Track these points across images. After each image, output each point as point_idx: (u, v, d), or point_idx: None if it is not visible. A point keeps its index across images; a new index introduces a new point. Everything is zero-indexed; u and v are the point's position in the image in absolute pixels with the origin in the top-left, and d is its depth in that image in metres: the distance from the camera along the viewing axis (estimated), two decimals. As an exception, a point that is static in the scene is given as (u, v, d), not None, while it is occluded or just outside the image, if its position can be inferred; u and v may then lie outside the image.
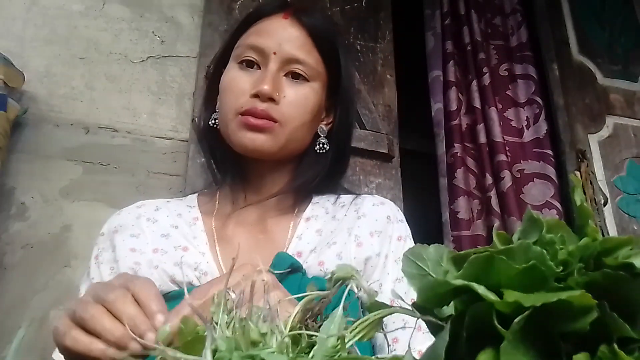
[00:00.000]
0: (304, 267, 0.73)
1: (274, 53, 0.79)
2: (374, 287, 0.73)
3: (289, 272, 0.71)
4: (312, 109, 0.81)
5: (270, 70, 0.79)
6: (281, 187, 0.83)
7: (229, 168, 0.86)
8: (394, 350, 0.71)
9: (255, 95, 0.77)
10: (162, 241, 0.77)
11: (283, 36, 0.81)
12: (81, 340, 0.47)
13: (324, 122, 0.86)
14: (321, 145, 0.85)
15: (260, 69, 0.80)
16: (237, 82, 0.80)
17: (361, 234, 0.78)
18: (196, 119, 1.34)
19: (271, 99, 0.77)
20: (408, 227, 0.84)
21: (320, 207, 0.85)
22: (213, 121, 0.85)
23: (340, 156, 0.88)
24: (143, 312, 0.47)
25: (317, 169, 0.84)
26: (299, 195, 0.85)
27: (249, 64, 0.81)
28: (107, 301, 0.48)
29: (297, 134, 0.80)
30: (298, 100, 0.79)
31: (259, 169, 0.84)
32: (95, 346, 0.46)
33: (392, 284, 0.76)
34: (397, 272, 0.77)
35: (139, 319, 0.46)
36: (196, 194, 0.90)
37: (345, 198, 0.86)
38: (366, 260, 0.76)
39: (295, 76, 0.80)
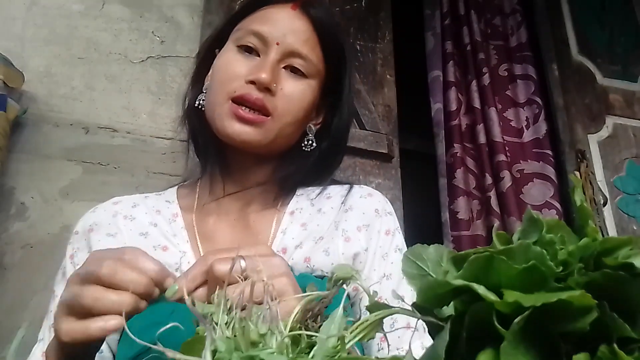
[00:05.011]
0: (289, 263, 0.69)
1: (277, 43, 0.75)
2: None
3: None
4: (306, 106, 0.77)
5: (270, 59, 0.74)
6: (262, 179, 0.80)
7: (210, 154, 0.81)
8: (382, 348, 0.69)
9: (252, 82, 0.73)
10: (141, 240, 0.73)
11: (288, 27, 0.76)
12: (77, 329, 0.44)
13: (313, 122, 0.82)
14: (308, 142, 0.81)
15: (259, 56, 0.76)
16: (234, 65, 0.75)
17: (349, 229, 0.75)
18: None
19: (267, 89, 0.73)
20: (397, 219, 0.81)
21: (305, 199, 0.81)
22: (199, 102, 0.80)
23: (328, 156, 0.84)
24: (146, 275, 0.45)
25: (301, 166, 0.80)
26: (282, 188, 0.81)
27: (248, 50, 0.76)
28: (102, 278, 0.44)
29: (288, 130, 0.76)
30: (294, 95, 0.75)
31: (242, 160, 0.79)
32: (95, 324, 0.43)
33: (379, 281, 0.73)
34: (384, 268, 0.74)
35: (144, 281, 0.44)
36: (175, 187, 0.85)
37: (332, 189, 0.82)
38: (355, 256, 0.73)
39: (294, 70, 0.76)
